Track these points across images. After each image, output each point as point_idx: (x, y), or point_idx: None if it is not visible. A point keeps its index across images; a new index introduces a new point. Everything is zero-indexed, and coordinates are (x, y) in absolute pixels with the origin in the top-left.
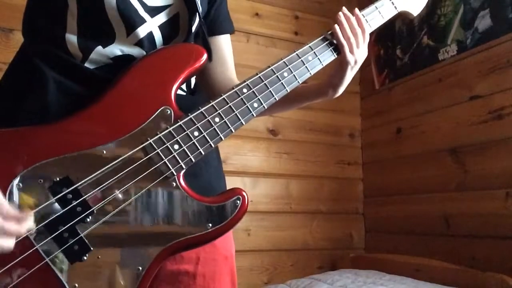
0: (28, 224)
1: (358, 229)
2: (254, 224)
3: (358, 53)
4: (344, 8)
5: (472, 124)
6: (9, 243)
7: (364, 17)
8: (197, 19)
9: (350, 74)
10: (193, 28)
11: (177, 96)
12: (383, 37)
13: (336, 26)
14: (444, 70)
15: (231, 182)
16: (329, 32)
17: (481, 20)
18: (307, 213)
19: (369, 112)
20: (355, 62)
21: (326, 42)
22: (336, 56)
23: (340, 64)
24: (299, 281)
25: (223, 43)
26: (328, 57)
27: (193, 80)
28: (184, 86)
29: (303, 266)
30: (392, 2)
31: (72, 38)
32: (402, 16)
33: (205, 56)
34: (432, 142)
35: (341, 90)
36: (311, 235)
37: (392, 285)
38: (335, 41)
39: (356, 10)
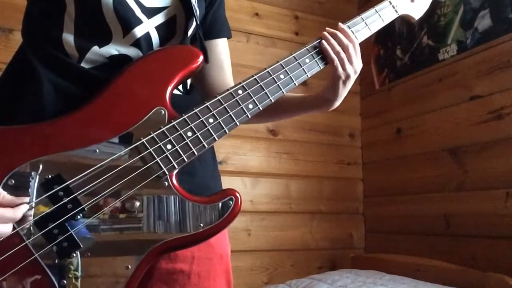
0: (23, 209)
1: (358, 229)
2: (254, 224)
3: (350, 68)
4: (327, 28)
5: (472, 124)
6: (7, 228)
7: (363, 20)
8: (194, 23)
9: (344, 89)
10: (190, 31)
11: (173, 96)
12: (383, 37)
13: (324, 42)
14: (444, 70)
15: (231, 182)
16: (318, 40)
17: (481, 20)
18: (307, 213)
19: (369, 112)
20: (347, 77)
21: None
22: (323, 66)
23: (332, 79)
24: (299, 281)
25: (221, 47)
26: (325, 60)
27: (189, 80)
28: (180, 86)
29: (303, 266)
30: (393, 6)
31: (69, 38)
32: (403, 19)
33: (201, 58)
34: (432, 142)
35: (336, 104)
36: (311, 235)
37: (392, 285)
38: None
39: (340, 24)
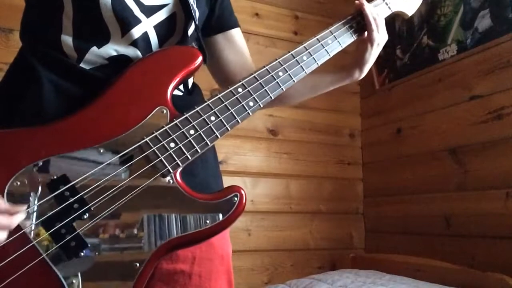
0: (19, 217)
1: (358, 229)
2: (254, 224)
3: (382, 34)
4: None
5: (472, 124)
6: (1, 236)
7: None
8: (193, 24)
9: (375, 54)
10: (189, 32)
11: (175, 96)
12: None
13: (365, 6)
14: (444, 70)
15: (231, 182)
16: (334, 26)
17: (481, 20)
18: (307, 213)
19: (369, 112)
20: (380, 42)
21: (324, 40)
22: (342, 47)
23: (369, 43)
24: (299, 281)
25: (237, 36)
26: (322, 57)
27: (190, 80)
28: (181, 87)
29: (303, 266)
30: (386, 3)
31: (67, 39)
32: (397, 16)
33: (200, 59)
34: (432, 142)
35: (366, 69)
36: (311, 235)
37: (392, 285)
38: (354, 25)
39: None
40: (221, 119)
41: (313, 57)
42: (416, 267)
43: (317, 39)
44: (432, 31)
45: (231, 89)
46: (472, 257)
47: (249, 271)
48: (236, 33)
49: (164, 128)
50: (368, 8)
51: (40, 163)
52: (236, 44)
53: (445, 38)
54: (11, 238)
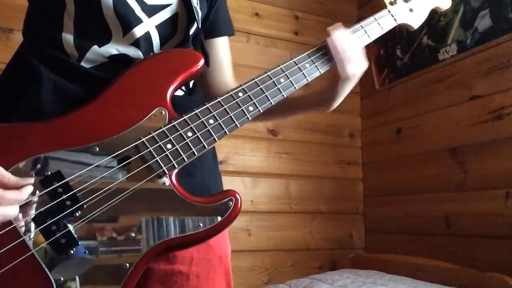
0: (28, 190)
1: (358, 229)
2: (254, 224)
3: (356, 65)
4: (333, 26)
5: (472, 124)
6: (13, 210)
7: (362, 28)
8: (195, 24)
9: (343, 90)
10: (191, 32)
11: (175, 96)
12: (383, 37)
13: (329, 40)
14: (444, 70)
15: (231, 182)
16: (324, 43)
17: (481, 20)
18: (307, 213)
19: (369, 112)
20: (346, 78)
21: (323, 51)
22: (330, 66)
23: (333, 78)
24: (299, 281)
25: (220, 46)
26: (325, 65)
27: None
28: (182, 87)
29: (303, 266)
30: (392, 15)
31: (68, 38)
32: (402, 28)
33: (201, 62)
34: (432, 142)
35: (334, 105)
36: (311, 235)
37: (392, 285)
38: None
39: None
40: (219, 123)
41: (316, 65)
42: (416, 267)
43: (294, 61)
44: (432, 31)
45: (231, 93)
46: (472, 257)
47: (249, 271)
48: (219, 43)
49: (161, 129)
50: (333, 41)
51: (35, 159)
52: (215, 55)
53: (445, 38)
54: (1, 232)
